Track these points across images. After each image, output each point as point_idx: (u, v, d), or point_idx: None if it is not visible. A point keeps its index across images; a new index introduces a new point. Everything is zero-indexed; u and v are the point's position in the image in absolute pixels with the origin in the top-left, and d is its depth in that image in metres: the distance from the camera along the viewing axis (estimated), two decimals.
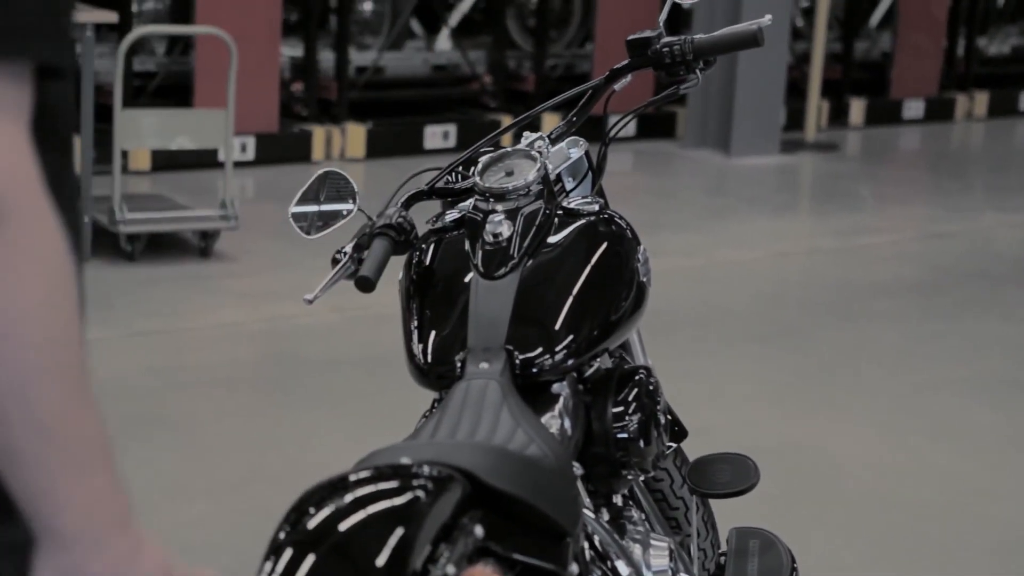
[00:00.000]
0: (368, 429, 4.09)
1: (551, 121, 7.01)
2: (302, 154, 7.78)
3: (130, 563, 1.10)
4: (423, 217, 2.40)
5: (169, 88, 7.45)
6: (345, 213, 2.34)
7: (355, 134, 8.01)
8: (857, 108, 9.85)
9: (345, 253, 2.26)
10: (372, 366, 4.68)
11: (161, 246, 5.77)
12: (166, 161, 7.16)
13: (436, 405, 2.23)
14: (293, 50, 8.12)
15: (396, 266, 2.34)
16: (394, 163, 7.72)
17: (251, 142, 7.55)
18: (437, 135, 8.28)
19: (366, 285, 2.15)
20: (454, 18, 8.90)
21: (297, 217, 2.34)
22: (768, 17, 2.43)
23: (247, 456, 3.90)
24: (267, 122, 7.66)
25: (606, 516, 2.27)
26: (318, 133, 7.88)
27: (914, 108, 10.12)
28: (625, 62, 2.45)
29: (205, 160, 6.96)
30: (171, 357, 4.58)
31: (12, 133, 0.98)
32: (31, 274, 0.99)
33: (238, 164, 6.63)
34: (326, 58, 8.18)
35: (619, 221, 2.35)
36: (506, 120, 8.42)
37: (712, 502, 2.78)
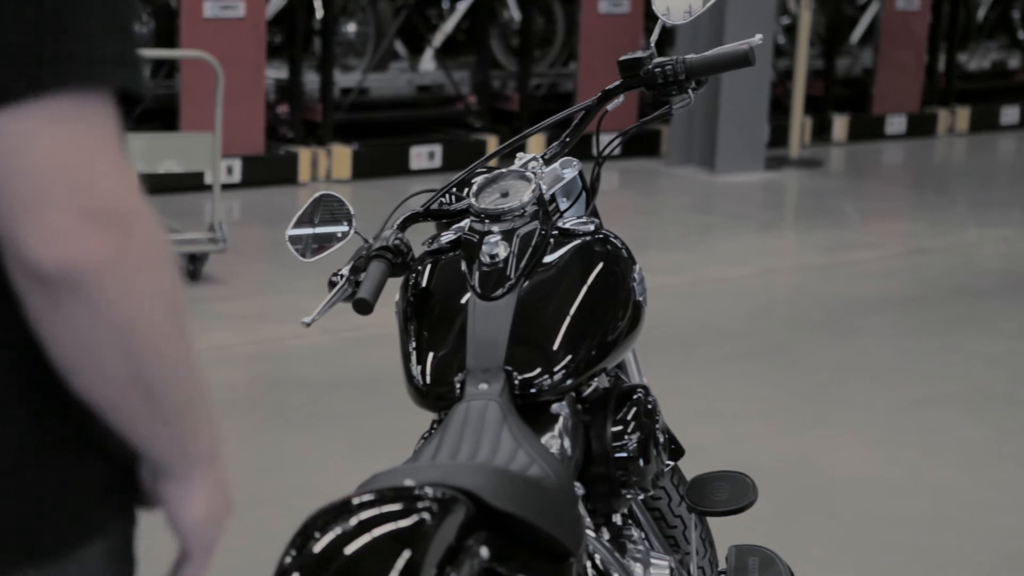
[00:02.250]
0: (363, 451, 4.09)
1: (536, 142, 7.02)
2: (288, 176, 7.79)
3: (222, 492, 1.29)
4: (419, 239, 2.41)
5: (153, 112, 7.45)
6: (340, 235, 2.35)
7: (341, 155, 8.02)
8: (840, 124, 9.89)
9: (342, 276, 2.27)
10: (365, 388, 4.68)
11: None
12: (152, 184, 7.14)
13: (435, 426, 2.23)
14: (278, 72, 8.13)
15: (392, 288, 2.34)
16: (381, 184, 7.73)
17: (237, 164, 7.55)
18: (423, 155, 8.29)
19: (364, 307, 2.16)
20: (438, 39, 8.92)
21: (293, 240, 2.35)
22: (759, 37, 2.44)
23: (243, 479, 3.87)
24: (253, 144, 7.66)
25: (606, 535, 2.28)
26: (304, 155, 7.88)
27: (896, 123, 10.17)
28: (618, 83, 2.46)
29: (191, 183, 6.96)
30: None
31: (119, 152, 1.10)
32: (164, 267, 1.14)
33: (224, 187, 6.63)
34: (311, 80, 8.19)
35: (614, 241, 2.36)
36: (491, 140, 8.44)
37: (708, 520, 2.79)
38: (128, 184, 1.10)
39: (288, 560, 1.60)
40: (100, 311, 1.09)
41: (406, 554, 1.57)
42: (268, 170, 7.73)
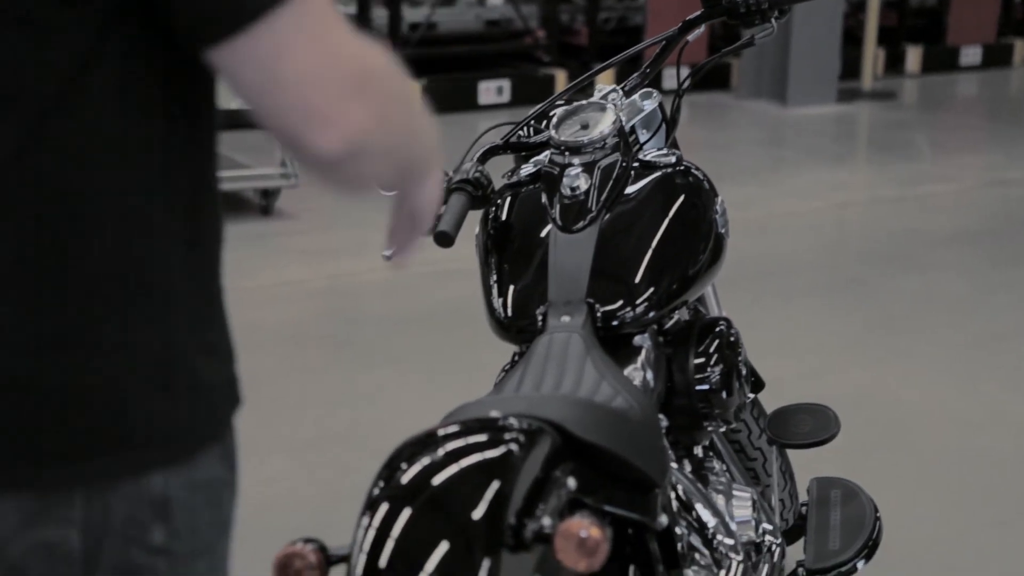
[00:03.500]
0: (437, 385, 4.11)
1: (606, 78, 6.96)
2: None
3: (439, 182, 1.43)
4: (498, 172, 2.40)
5: None
6: None
7: None
8: (914, 55, 9.74)
9: None
10: (437, 323, 4.69)
11: (223, 204, 5.79)
12: (225, 120, 7.17)
13: (516, 359, 2.23)
14: (346, 8, 8.10)
15: (471, 221, 2.33)
16: (449, 119, 7.71)
17: None
18: (491, 90, 8.26)
19: (445, 240, 2.15)
20: None
21: None
22: None
23: (319, 413, 3.92)
24: None
25: (688, 467, 2.27)
26: None
27: (971, 54, 10.00)
28: (699, 12, 2.43)
29: None
30: (236, 315, 4.55)
31: (342, 22, 1.18)
32: (402, 83, 1.26)
33: None
34: (379, 15, 8.17)
35: (696, 172, 2.34)
36: (560, 74, 8.39)
37: (788, 454, 2.77)
38: (359, 43, 1.18)
39: (376, 491, 1.60)
40: (382, 159, 1.21)
41: (495, 485, 1.57)
42: None
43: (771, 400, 2.76)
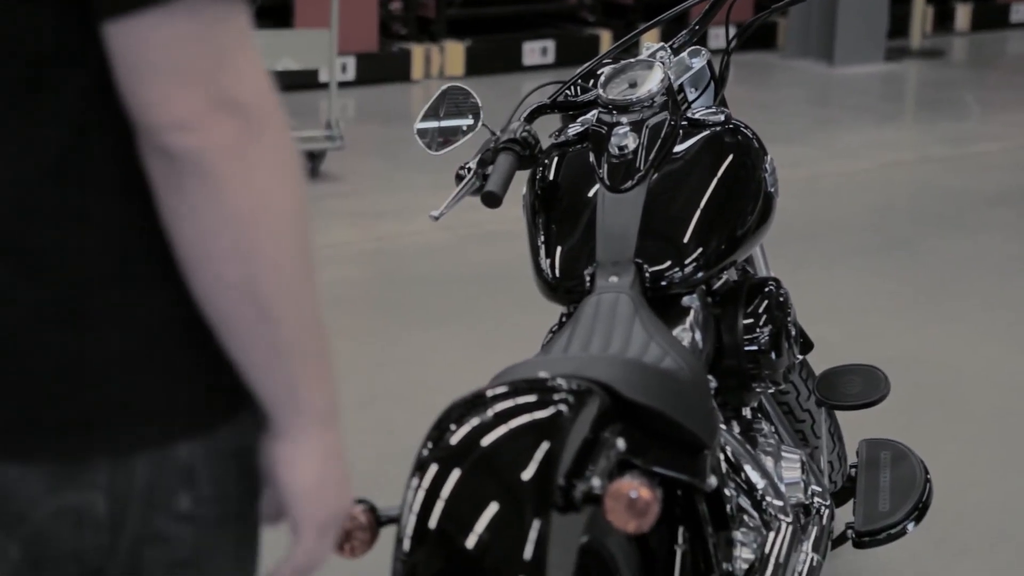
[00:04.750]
0: (484, 347, 4.10)
1: (651, 38, 6.92)
2: (402, 73, 7.77)
3: (337, 466, 1.22)
4: (545, 132, 2.38)
5: (269, 9, 7.45)
6: (466, 129, 2.33)
7: (454, 52, 7.98)
8: (963, 13, 9.61)
9: (469, 169, 2.25)
10: (484, 284, 4.68)
11: None
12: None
13: (564, 319, 2.22)
14: None
15: (518, 181, 2.32)
16: (494, 80, 7.68)
17: (351, 62, 7.54)
18: (536, 51, 8.21)
19: (492, 200, 2.14)
20: None
21: (421, 133, 2.33)
22: None
23: (367, 375, 3.92)
24: (367, 42, 7.65)
25: (737, 429, 2.26)
26: (417, 52, 7.85)
27: (1022, 11, 9.86)
28: None
29: (305, 81, 6.97)
30: None
31: (257, 57, 1.13)
32: (289, 175, 1.15)
33: (339, 85, 6.63)
34: None
35: (745, 131, 2.32)
36: (605, 35, 8.34)
37: (836, 416, 2.76)
38: (260, 83, 1.13)
39: (425, 452, 1.60)
40: (220, 198, 1.11)
41: (544, 445, 1.57)
42: (382, 68, 7.71)
43: (819, 362, 2.73)
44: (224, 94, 1.10)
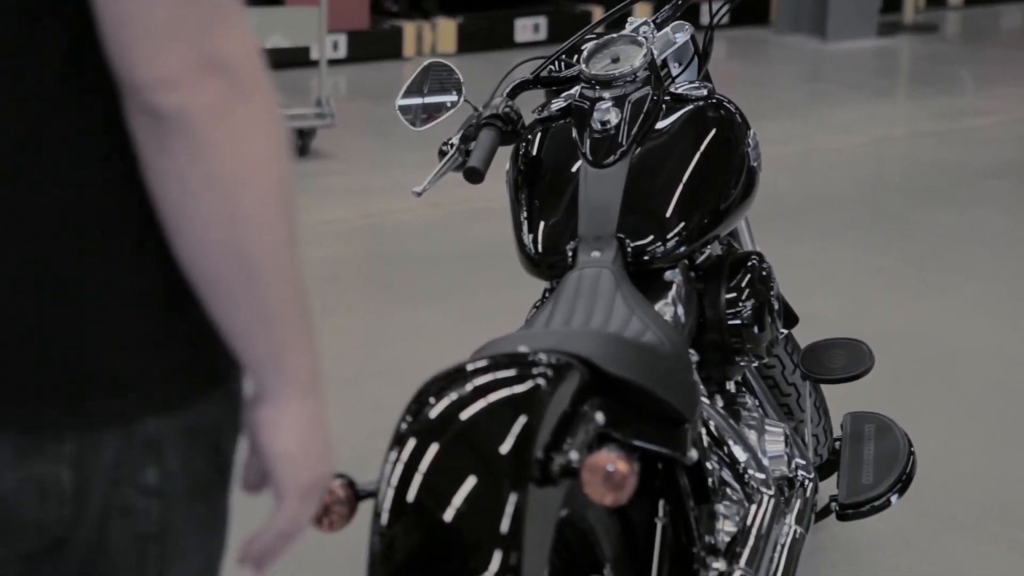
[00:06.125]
0: (472, 323, 4.11)
1: (642, 11, 6.91)
2: (393, 50, 7.75)
3: (320, 432, 1.21)
4: (528, 107, 2.38)
5: None
6: (450, 105, 2.33)
7: (446, 29, 7.96)
8: None
9: (452, 145, 2.25)
10: (473, 261, 4.69)
11: None
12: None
13: (547, 295, 2.23)
14: None
15: (501, 157, 2.32)
16: (486, 57, 7.67)
17: (342, 39, 7.53)
18: (528, 28, 8.20)
19: (475, 176, 2.14)
20: None
21: (403, 109, 2.33)
22: None
23: (357, 351, 3.93)
24: (358, 19, 7.63)
25: (720, 403, 2.27)
26: (409, 29, 7.83)
27: None
28: None
29: (296, 59, 6.95)
30: None
31: (245, 22, 1.13)
32: (275, 140, 1.14)
33: (330, 62, 6.62)
34: None
35: (728, 106, 2.32)
36: (597, 11, 8.32)
37: (823, 389, 2.76)
38: (248, 46, 1.13)
39: (404, 426, 1.61)
40: (206, 159, 1.10)
41: (522, 419, 1.57)
42: (373, 45, 7.69)
43: (810, 336, 2.74)
44: (212, 54, 1.10)
